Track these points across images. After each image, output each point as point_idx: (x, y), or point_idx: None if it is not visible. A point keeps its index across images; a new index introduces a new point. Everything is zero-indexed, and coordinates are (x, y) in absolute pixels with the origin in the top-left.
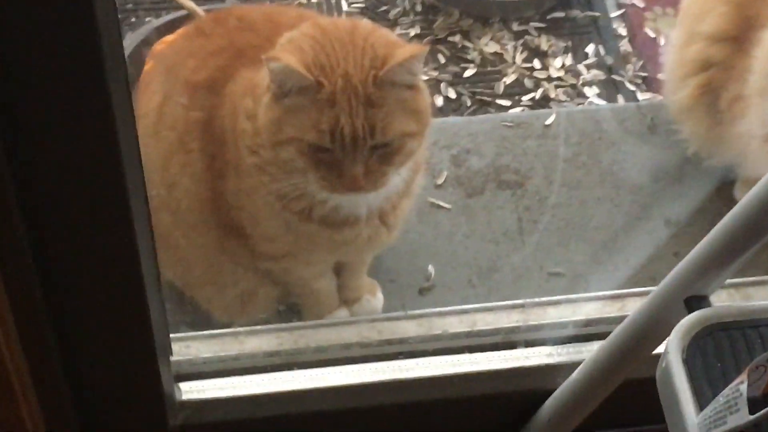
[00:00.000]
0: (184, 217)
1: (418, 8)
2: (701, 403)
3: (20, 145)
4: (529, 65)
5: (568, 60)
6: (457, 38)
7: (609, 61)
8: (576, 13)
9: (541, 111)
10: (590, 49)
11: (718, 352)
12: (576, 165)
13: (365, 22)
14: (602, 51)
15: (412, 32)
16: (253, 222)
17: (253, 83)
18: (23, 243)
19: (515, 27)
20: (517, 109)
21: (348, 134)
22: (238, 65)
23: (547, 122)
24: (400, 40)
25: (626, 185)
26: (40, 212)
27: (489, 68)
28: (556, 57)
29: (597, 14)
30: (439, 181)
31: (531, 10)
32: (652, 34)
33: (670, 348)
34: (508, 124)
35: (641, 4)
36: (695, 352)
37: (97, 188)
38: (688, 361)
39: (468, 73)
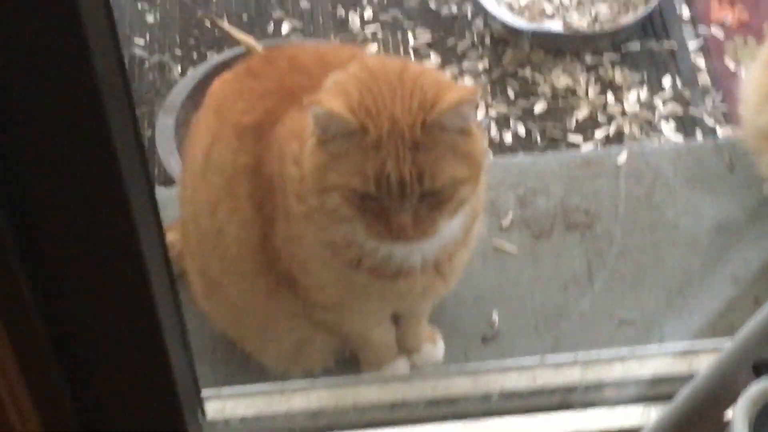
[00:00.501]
0: (233, 265)
1: (487, 41)
2: None
3: (27, 208)
4: (602, 99)
5: (644, 93)
6: (527, 72)
7: (687, 94)
8: (652, 44)
9: (613, 148)
10: (667, 82)
11: None
12: (649, 206)
13: (415, 63)
14: (680, 84)
15: (480, 66)
16: (304, 271)
17: (300, 126)
18: (29, 296)
19: (588, 60)
20: (589, 146)
21: (395, 181)
22: (286, 107)
23: (619, 160)
24: (452, 81)
25: (703, 228)
26: (49, 266)
27: (560, 103)
28: (630, 90)
29: (674, 46)
30: (505, 223)
31: (605, 42)
32: (732, 66)
33: (736, 418)
34: (578, 162)
35: (721, 35)
36: (764, 423)
37: (108, 241)
38: None
39: (538, 108)
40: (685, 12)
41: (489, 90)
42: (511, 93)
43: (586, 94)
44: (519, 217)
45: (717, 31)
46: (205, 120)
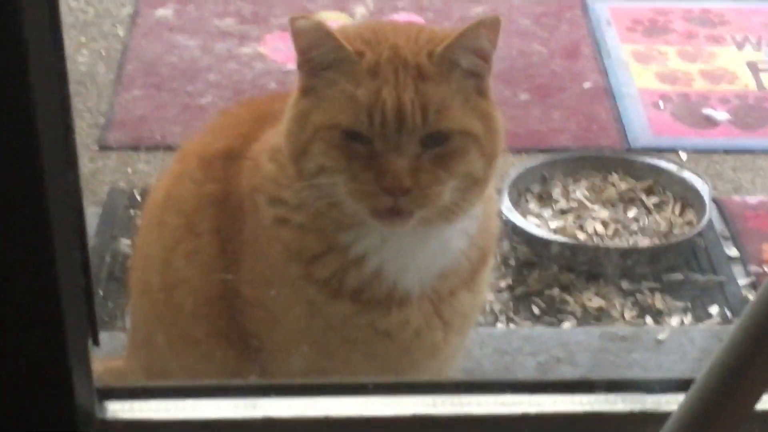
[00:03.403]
0: (185, 329)
1: (512, 262)
2: None
3: None
4: (641, 323)
5: (687, 319)
6: (554, 291)
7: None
8: (697, 276)
9: (651, 326)
10: (714, 310)
11: None
12: None
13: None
14: (729, 313)
15: (503, 283)
16: (270, 321)
17: (280, 128)
18: None
19: (624, 285)
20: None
21: (392, 110)
22: (264, 128)
23: (660, 336)
24: None
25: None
26: None
27: (592, 322)
28: (672, 316)
29: (722, 278)
30: None
31: (643, 268)
32: None
33: None
34: (610, 336)
35: None
36: None
37: None
38: None
39: (567, 326)
40: (733, 251)
41: (511, 306)
42: (536, 309)
43: (622, 316)
44: None
45: None
46: (168, 170)
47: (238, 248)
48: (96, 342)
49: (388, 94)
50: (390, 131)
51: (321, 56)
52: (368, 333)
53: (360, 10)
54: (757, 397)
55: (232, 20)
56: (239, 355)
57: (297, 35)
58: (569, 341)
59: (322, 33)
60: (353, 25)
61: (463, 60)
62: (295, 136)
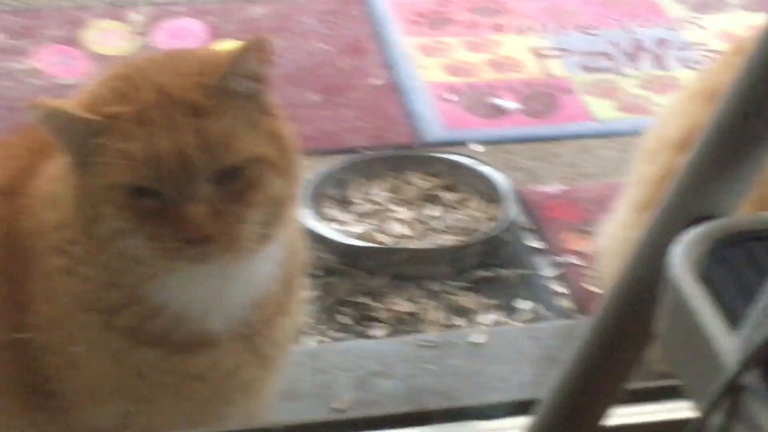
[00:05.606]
0: None
1: (318, 272)
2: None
3: None
4: (451, 323)
5: (500, 317)
6: (364, 299)
7: (549, 316)
8: (505, 272)
9: (465, 330)
10: (526, 305)
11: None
12: (515, 385)
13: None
14: (540, 309)
15: (311, 295)
16: (69, 368)
17: (61, 168)
18: None
19: (432, 286)
20: None
21: (173, 156)
22: (44, 159)
23: (475, 340)
24: None
25: None
26: None
27: (404, 327)
28: (483, 314)
29: (529, 272)
30: (337, 406)
31: (450, 267)
32: (595, 290)
33: (674, 264)
34: (426, 344)
35: (580, 262)
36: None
37: None
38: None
39: (379, 333)
40: (536, 243)
41: (322, 319)
42: (346, 319)
43: (433, 318)
44: (356, 400)
45: (575, 260)
46: None
47: (26, 290)
48: None
49: (165, 139)
50: (177, 179)
51: (75, 135)
52: (177, 377)
53: (136, 17)
54: None
55: (0, 36)
56: (40, 412)
57: (41, 126)
58: (384, 352)
59: (64, 117)
60: (107, 75)
61: (240, 87)
62: (81, 207)
